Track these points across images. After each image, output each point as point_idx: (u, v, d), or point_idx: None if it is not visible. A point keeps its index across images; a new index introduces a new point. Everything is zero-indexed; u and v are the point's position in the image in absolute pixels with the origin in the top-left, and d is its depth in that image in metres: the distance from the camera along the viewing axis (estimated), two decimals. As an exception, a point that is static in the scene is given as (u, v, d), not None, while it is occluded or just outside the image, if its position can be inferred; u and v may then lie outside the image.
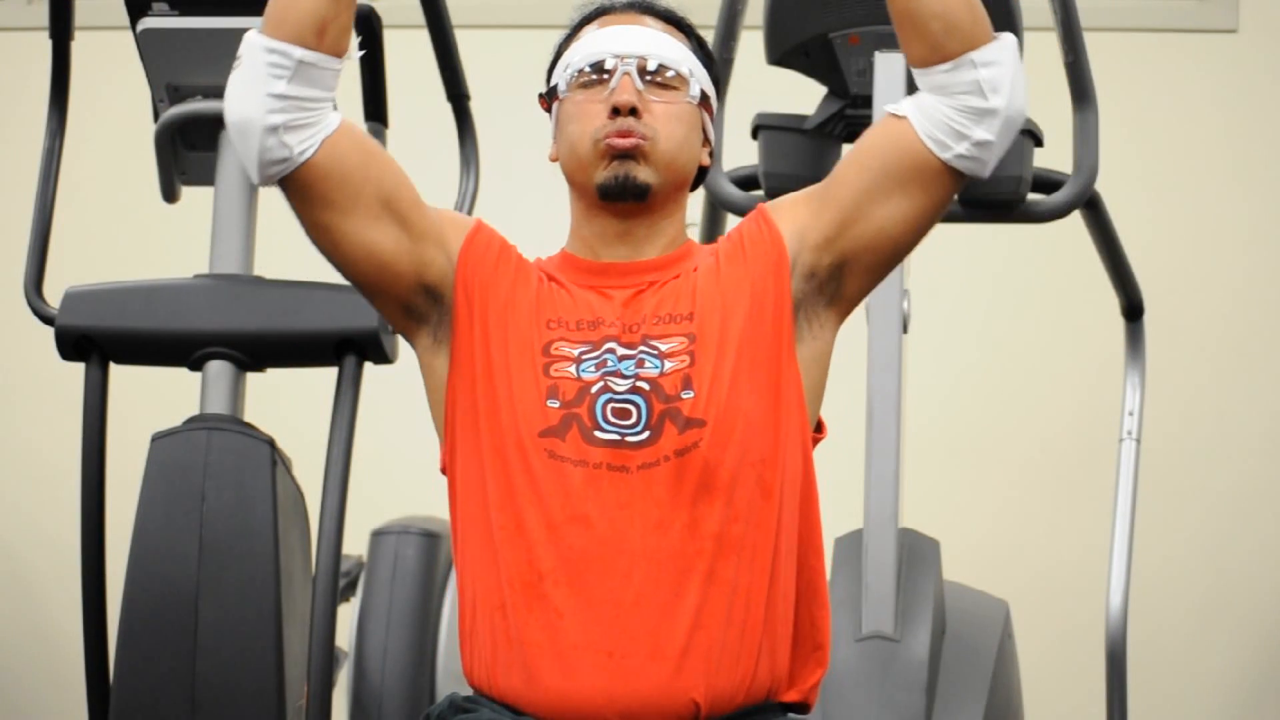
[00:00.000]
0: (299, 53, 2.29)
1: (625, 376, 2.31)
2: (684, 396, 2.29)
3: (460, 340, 2.36)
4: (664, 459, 2.28)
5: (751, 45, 3.59)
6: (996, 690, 3.30)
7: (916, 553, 3.38)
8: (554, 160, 2.43)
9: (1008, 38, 2.33)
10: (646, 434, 2.28)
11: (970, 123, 2.31)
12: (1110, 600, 3.82)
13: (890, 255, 2.38)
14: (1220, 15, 5.15)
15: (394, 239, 2.35)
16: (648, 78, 2.37)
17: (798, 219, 2.38)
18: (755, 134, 3.65)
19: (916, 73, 2.34)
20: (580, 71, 2.39)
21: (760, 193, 3.70)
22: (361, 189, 2.33)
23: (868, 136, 2.38)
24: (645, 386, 2.30)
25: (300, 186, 2.33)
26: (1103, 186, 3.61)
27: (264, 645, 3.13)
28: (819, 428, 2.40)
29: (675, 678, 2.25)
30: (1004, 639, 3.41)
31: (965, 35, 2.30)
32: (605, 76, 2.37)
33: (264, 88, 2.29)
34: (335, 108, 2.36)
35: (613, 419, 2.29)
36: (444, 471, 2.39)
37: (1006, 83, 2.31)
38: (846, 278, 2.38)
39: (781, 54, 3.57)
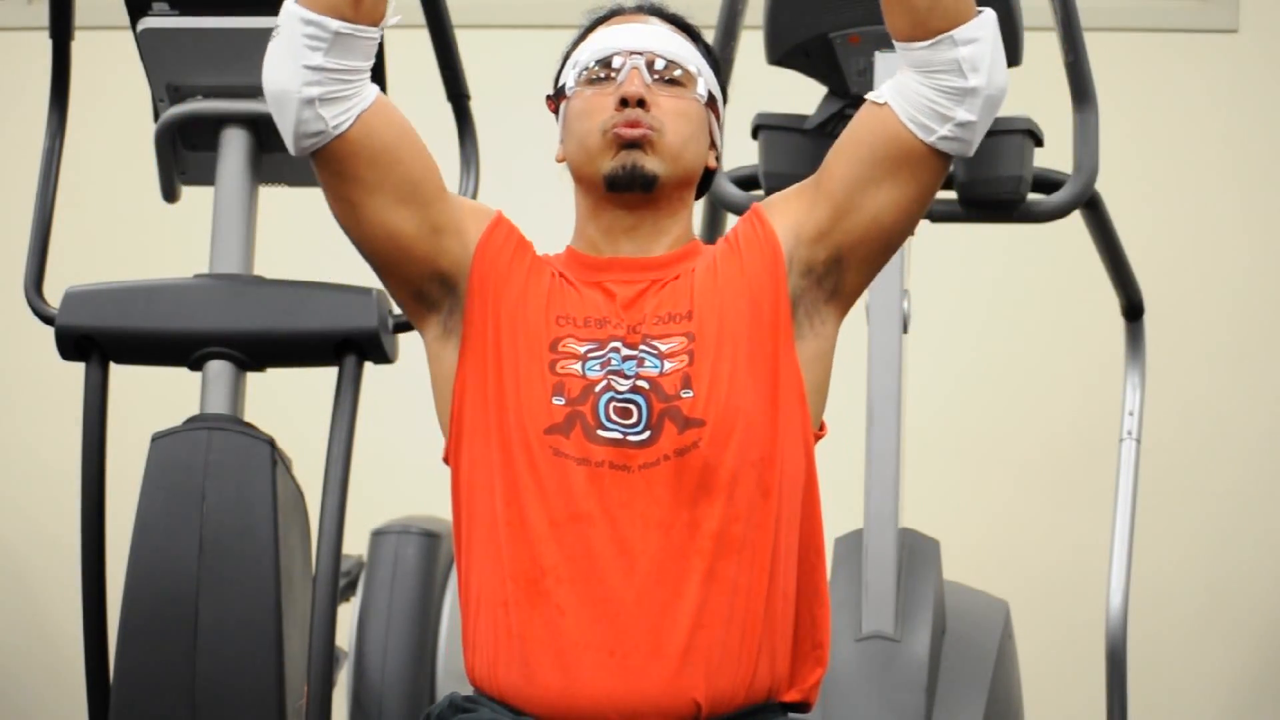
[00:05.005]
0: (335, 24, 2.28)
1: (627, 376, 2.31)
2: (683, 396, 2.30)
3: (473, 332, 2.36)
4: (664, 458, 2.28)
5: (751, 45, 3.58)
6: (996, 690, 3.30)
7: (916, 553, 3.38)
8: (561, 161, 2.43)
9: (987, 14, 2.32)
10: (647, 433, 2.29)
11: (951, 103, 2.31)
12: (1110, 600, 3.82)
13: (885, 244, 2.38)
14: (1220, 15, 5.15)
15: (415, 225, 2.35)
16: (655, 75, 2.39)
17: (791, 215, 2.38)
18: (755, 134, 3.64)
19: (899, 47, 2.33)
20: (588, 68, 2.40)
21: (760, 192, 3.70)
22: (390, 170, 2.33)
23: (852, 127, 2.38)
24: (645, 386, 2.30)
25: (331, 160, 2.33)
26: (1103, 186, 3.60)
27: (264, 645, 3.13)
28: (820, 426, 2.40)
29: (676, 677, 2.25)
30: (1004, 639, 3.41)
31: (949, 12, 2.30)
32: (613, 73, 2.39)
33: (301, 59, 2.29)
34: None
35: (615, 418, 2.30)
36: (446, 461, 2.39)
37: (986, 60, 2.30)
38: (844, 271, 2.38)
39: (781, 54, 3.56)
